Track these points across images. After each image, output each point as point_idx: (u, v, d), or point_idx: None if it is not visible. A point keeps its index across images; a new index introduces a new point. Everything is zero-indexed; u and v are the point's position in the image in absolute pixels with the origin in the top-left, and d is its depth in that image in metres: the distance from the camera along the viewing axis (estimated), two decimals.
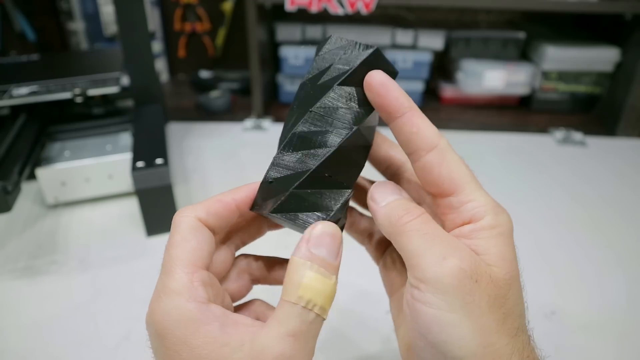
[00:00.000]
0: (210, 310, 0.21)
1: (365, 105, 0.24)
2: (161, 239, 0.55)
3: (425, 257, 0.21)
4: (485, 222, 0.22)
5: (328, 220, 0.23)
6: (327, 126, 0.24)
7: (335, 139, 0.24)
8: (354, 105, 0.24)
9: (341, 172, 0.24)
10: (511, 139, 0.81)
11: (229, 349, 0.20)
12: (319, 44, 0.26)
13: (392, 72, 0.25)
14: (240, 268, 0.27)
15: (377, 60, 0.25)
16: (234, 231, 0.27)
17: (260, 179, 0.25)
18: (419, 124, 0.23)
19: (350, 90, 0.24)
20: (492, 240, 0.22)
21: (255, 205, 0.25)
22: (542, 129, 0.85)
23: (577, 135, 0.82)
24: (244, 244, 0.28)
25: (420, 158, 0.23)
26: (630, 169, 0.71)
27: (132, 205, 0.60)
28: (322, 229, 0.22)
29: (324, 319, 0.21)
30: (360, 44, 0.25)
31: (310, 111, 0.24)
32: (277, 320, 0.21)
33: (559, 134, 0.82)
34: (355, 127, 0.24)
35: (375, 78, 0.23)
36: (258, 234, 0.28)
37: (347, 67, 0.24)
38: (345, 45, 0.25)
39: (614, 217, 0.60)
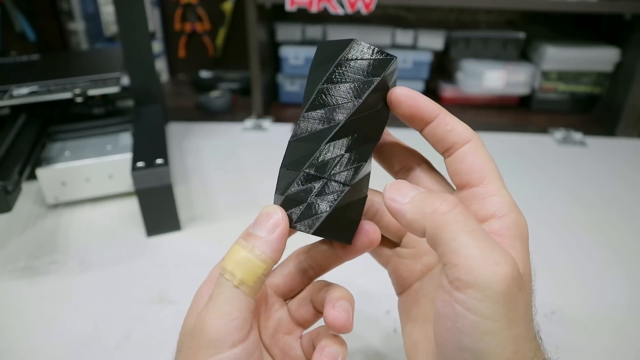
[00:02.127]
0: (211, 288, 0.24)
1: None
2: (161, 239, 0.55)
3: (477, 260, 0.19)
4: (510, 220, 0.22)
5: (347, 186, 0.24)
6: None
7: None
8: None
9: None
10: (511, 139, 0.81)
11: (195, 316, 0.24)
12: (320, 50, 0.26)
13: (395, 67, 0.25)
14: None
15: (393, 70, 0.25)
16: (302, 253, 0.29)
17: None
18: (452, 122, 0.24)
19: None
20: (516, 241, 0.22)
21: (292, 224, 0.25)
22: (542, 129, 0.85)
23: (577, 135, 0.82)
24: (314, 270, 0.29)
25: (455, 151, 0.24)
26: (630, 169, 0.71)
27: (132, 205, 0.60)
28: (263, 210, 0.24)
29: (239, 287, 0.22)
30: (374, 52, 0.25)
31: (343, 123, 0.24)
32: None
33: (559, 134, 0.82)
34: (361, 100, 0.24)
35: (401, 93, 0.24)
36: (327, 261, 0.29)
37: (368, 81, 0.24)
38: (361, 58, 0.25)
39: (614, 217, 0.60)
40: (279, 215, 0.24)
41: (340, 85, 0.24)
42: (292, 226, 0.24)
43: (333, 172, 0.24)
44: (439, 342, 0.21)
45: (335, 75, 0.24)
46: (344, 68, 0.24)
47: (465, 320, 0.19)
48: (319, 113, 0.24)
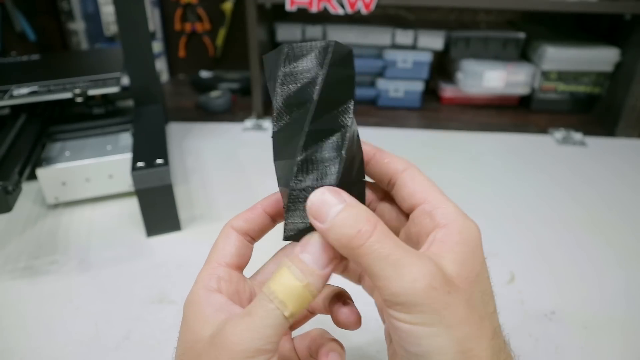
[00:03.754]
0: (212, 297, 0.24)
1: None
2: (161, 239, 0.55)
3: (394, 281, 0.21)
4: (454, 227, 0.23)
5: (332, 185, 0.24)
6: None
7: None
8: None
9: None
10: (511, 139, 0.81)
11: (210, 325, 0.23)
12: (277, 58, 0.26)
13: (349, 53, 0.25)
14: None
15: (336, 53, 0.25)
16: None
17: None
18: (389, 156, 0.27)
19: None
20: (458, 246, 0.23)
21: (286, 237, 0.26)
22: (542, 129, 0.85)
23: (577, 135, 0.82)
24: None
25: (397, 180, 0.26)
26: (630, 169, 0.71)
27: (132, 205, 0.60)
28: (314, 238, 0.23)
29: (287, 319, 0.22)
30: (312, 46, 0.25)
31: (305, 132, 0.24)
32: (248, 305, 0.23)
33: (559, 134, 0.82)
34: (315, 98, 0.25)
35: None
36: None
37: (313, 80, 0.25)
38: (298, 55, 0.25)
39: (613, 217, 0.60)
40: (334, 252, 0.23)
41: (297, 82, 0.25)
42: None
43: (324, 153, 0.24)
44: (399, 354, 0.23)
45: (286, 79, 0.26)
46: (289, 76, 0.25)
47: (401, 331, 0.21)
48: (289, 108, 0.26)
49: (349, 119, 0.25)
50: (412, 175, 0.26)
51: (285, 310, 0.22)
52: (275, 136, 0.26)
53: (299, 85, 0.25)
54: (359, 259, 0.21)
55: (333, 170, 0.24)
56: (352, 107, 0.25)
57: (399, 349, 0.22)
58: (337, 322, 0.27)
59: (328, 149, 0.24)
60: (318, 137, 0.24)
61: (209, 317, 0.23)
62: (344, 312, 0.27)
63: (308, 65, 0.25)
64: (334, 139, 0.24)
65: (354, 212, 0.22)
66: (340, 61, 0.25)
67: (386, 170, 0.27)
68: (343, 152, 0.24)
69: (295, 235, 0.25)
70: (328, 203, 0.22)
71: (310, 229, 0.24)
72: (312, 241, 0.23)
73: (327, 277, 0.23)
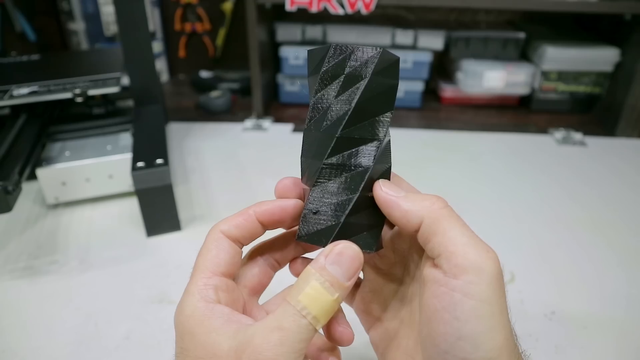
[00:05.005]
0: (216, 308, 0.23)
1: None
2: (161, 239, 0.55)
3: (471, 247, 0.21)
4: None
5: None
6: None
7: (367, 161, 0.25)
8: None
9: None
10: (511, 139, 0.81)
11: (224, 337, 0.22)
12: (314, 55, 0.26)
13: (396, 61, 0.25)
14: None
15: (382, 61, 0.25)
16: (268, 250, 0.29)
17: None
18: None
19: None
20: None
21: (300, 236, 0.26)
22: (542, 129, 0.85)
23: (577, 135, 0.82)
24: (279, 264, 0.29)
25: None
26: (630, 169, 0.71)
27: (132, 205, 0.60)
28: (342, 248, 0.23)
29: (317, 330, 0.22)
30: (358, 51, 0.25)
31: (337, 137, 0.25)
32: (273, 315, 0.22)
33: (559, 134, 0.82)
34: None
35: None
36: (294, 255, 0.30)
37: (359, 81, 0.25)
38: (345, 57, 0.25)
39: (614, 217, 0.60)
40: (362, 261, 0.23)
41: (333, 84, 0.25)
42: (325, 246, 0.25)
43: (355, 160, 0.25)
44: (432, 343, 0.22)
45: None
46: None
47: (464, 306, 0.21)
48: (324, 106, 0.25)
49: (384, 130, 0.25)
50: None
51: (318, 324, 0.22)
52: (307, 133, 0.26)
53: (339, 86, 0.25)
54: (440, 222, 0.22)
55: (357, 181, 0.25)
56: (389, 120, 0.25)
57: (448, 334, 0.21)
58: (331, 338, 0.27)
59: (357, 157, 0.25)
60: (349, 144, 0.25)
61: (221, 330, 0.22)
62: (339, 329, 0.26)
63: (352, 69, 0.25)
64: (365, 148, 0.25)
65: (425, 193, 0.24)
66: (385, 70, 0.25)
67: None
68: (372, 163, 0.24)
69: (309, 237, 0.25)
70: (397, 186, 0.25)
71: (333, 228, 0.25)
72: (339, 251, 0.23)
73: (351, 288, 0.23)
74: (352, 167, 0.25)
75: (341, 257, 0.23)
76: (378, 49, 0.24)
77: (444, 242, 0.22)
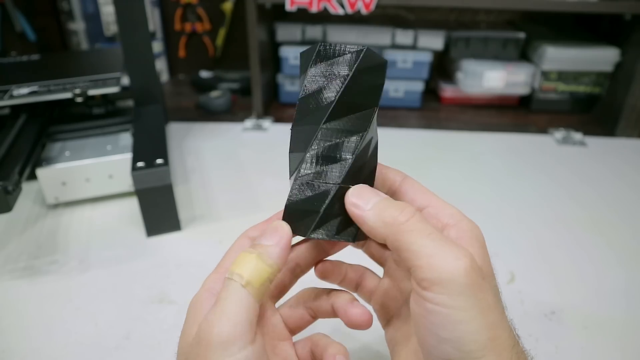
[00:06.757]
0: (213, 297, 0.24)
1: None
2: (161, 239, 0.55)
3: (437, 258, 0.21)
4: (463, 226, 0.24)
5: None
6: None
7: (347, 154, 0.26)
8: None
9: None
10: (511, 139, 0.81)
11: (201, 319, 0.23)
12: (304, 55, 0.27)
13: (382, 64, 0.26)
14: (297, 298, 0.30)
15: (366, 59, 0.25)
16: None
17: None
18: (384, 167, 0.28)
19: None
20: (474, 242, 0.24)
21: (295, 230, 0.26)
22: (542, 129, 0.85)
23: (577, 136, 0.82)
24: (302, 271, 0.30)
25: (396, 188, 0.28)
26: (630, 169, 0.71)
27: (132, 205, 0.60)
28: (270, 225, 0.26)
29: (255, 297, 0.23)
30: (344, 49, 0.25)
31: (321, 129, 0.25)
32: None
33: (559, 134, 0.82)
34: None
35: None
36: (316, 258, 0.30)
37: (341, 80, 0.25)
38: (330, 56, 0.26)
39: (614, 217, 0.60)
40: (285, 229, 0.25)
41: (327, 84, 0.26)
42: (308, 236, 0.26)
43: (341, 153, 0.25)
44: (421, 343, 0.23)
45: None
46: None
47: (437, 315, 0.21)
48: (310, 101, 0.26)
49: (368, 125, 0.25)
50: (410, 184, 0.27)
51: (242, 280, 0.23)
52: (294, 129, 0.26)
53: (325, 83, 0.25)
54: (401, 237, 0.22)
55: (338, 172, 0.25)
56: (374, 115, 0.26)
57: (429, 337, 0.22)
58: (349, 322, 0.28)
59: (339, 149, 0.25)
60: (333, 136, 0.25)
61: (197, 318, 0.24)
62: (356, 312, 0.27)
63: (338, 66, 0.25)
64: (347, 141, 0.25)
65: (392, 201, 0.24)
66: (370, 69, 0.25)
67: (382, 180, 0.28)
68: (353, 155, 0.25)
69: (292, 227, 0.26)
70: (368, 194, 0.25)
71: (313, 218, 0.25)
72: (267, 228, 0.25)
73: (281, 251, 0.24)
74: (334, 159, 0.25)
75: (266, 229, 0.25)
76: (362, 47, 0.25)
77: (410, 257, 0.22)
